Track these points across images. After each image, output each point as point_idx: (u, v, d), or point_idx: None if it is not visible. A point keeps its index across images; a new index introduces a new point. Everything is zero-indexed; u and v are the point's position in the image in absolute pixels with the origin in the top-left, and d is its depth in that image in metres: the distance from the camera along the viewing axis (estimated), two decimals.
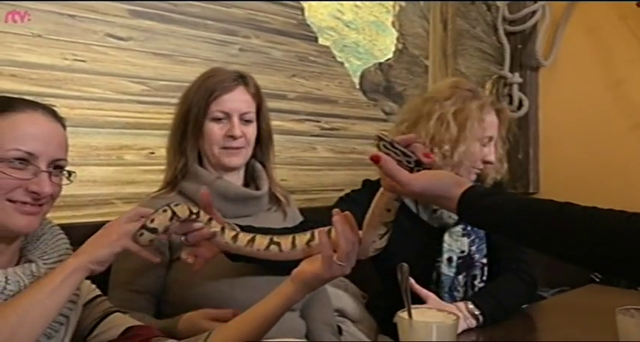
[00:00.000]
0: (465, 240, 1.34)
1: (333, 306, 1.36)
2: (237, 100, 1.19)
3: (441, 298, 1.26)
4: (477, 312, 1.19)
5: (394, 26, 2.07)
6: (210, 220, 0.90)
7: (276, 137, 1.70)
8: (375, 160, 0.79)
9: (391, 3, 2.06)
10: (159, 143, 1.29)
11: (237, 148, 1.19)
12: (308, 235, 0.88)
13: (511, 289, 1.32)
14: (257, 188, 1.25)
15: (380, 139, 0.81)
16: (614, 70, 2.26)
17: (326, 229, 0.85)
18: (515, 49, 2.45)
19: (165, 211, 0.85)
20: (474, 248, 1.36)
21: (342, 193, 1.91)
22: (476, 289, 1.34)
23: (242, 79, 1.21)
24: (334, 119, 1.88)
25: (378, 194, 0.86)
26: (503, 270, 1.36)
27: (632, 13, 2.17)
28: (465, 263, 1.35)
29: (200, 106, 1.16)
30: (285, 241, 0.89)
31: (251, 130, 1.22)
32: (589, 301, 1.45)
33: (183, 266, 1.00)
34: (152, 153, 1.44)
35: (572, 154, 2.37)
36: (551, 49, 2.41)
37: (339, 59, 1.89)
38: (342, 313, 1.40)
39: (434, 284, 1.31)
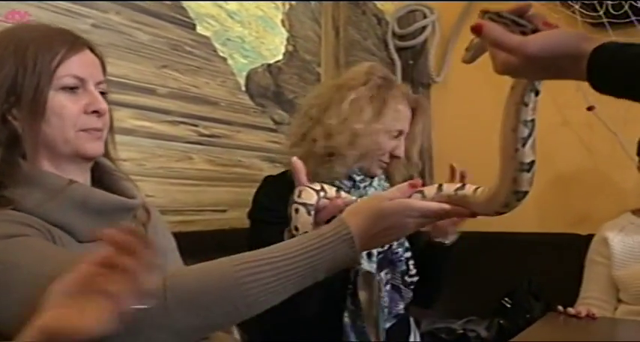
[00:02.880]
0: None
1: None
2: (91, 64, 0.85)
3: (359, 298, 1.15)
4: None
5: (284, 25, 1.82)
6: (338, 190, 0.90)
7: (142, 142, 1.35)
8: (477, 30, 0.65)
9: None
10: None
11: (100, 130, 0.85)
12: (457, 184, 0.81)
13: None
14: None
15: (485, 12, 0.68)
16: (502, 87, 2.21)
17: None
18: (406, 64, 2.33)
19: (297, 210, 0.86)
20: (395, 243, 1.25)
21: (225, 215, 1.58)
22: (409, 285, 1.27)
23: (83, 39, 0.86)
24: (215, 124, 1.55)
25: (510, 92, 0.75)
26: None
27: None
28: (387, 259, 1.24)
29: (41, 71, 0.79)
30: (429, 189, 0.80)
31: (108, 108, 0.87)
32: (566, 332, 1.29)
33: None
34: None
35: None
36: (442, 66, 2.32)
37: (222, 54, 1.59)
38: None
39: (352, 283, 1.17)
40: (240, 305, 0.68)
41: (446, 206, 0.78)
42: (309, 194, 0.86)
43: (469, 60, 0.78)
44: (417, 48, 2.32)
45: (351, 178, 1.32)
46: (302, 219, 0.84)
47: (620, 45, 0.60)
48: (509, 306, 1.71)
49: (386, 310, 1.24)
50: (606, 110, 1.96)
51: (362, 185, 1.30)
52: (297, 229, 0.84)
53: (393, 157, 1.30)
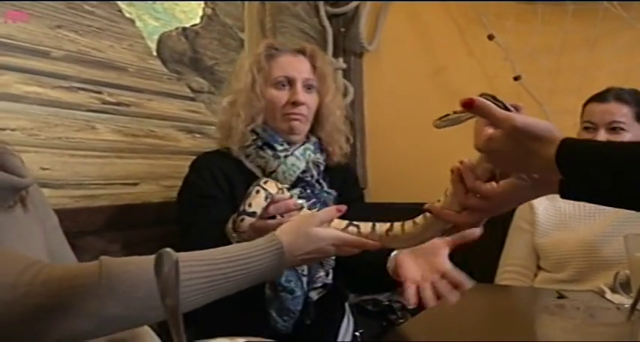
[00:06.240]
0: (303, 201, 1.19)
1: None
2: None
3: None
4: None
5: None
6: (291, 196, 1.00)
7: (35, 109, 1.23)
8: (468, 104, 0.70)
9: None
10: None
11: None
12: (387, 224, 0.90)
13: None
14: None
15: (482, 94, 0.75)
16: (436, 56, 2.18)
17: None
18: (338, 32, 2.25)
19: (258, 192, 0.97)
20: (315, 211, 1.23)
21: (136, 189, 1.49)
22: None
23: None
24: (122, 92, 1.44)
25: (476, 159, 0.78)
26: None
27: None
28: None
29: None
30: (365, 225, 0.91)
31: None
32: (482, 301, 1.29)
33: None
34: None
35: (399, 146, 2.24)
36: (375, 34, 2.26)
37: (128, 15, 1.46)
38: None
39: None
40: None
41: (364, 241, 0.90)
42: (272, 185, 0.99)
43: (439, 126, 0.81)
44: (349, 15, 2.25)
45: (272, 147, 1.28)
46: (257, 200, 0.96)
47: (586, 139, 0.72)
48: None
49: (305, 278, 1.22)
50: (532, 81, 1.96)
51: (282, 154, 1.27)
52: (250, 205, 0.96)
53: (295, 104, 1.27)
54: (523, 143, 0.68)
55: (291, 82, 1.29)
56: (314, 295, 1.25)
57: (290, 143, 1.30)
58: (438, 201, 0.83)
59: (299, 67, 1.30)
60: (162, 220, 1.47)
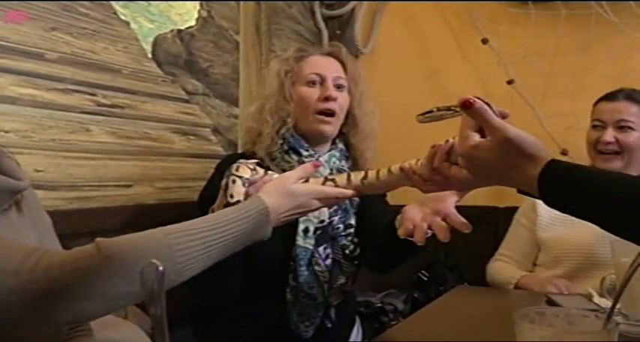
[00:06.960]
0: (325, 209, 1.20)
1: None
2: None
3: (297, 274, 1.18)
4: None
5: None
6: (266, 171, 0.99)
7: (29, 111, 1.24)
8: (467, 105, 0.71)
9: None
10: None
11: None
12: (362, 173, 0.95)
13: None
14: None
15: (477, 98, 0.77)
16: (430, 59, 2.19)
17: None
18: (333, 34, 2.26)
19: (234, 181, 0.95)
20: (336, 219, 1.24)
21: (130, 190, 1.49)
22: (351, 259, 1.25)
23: None
24: (116, 93, 1.45)
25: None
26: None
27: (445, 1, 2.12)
28: (326, 234, 1.22)
29: None
30: (341, 178, 0.95)
31: None
32: (471, 304, 1.30)
33: None
34: None
35: (393, 148, 2.24)
36: (370, 37, 2.27)
37: (123, 18, 1.47)
38: None
39: (292, 259, 1.20)
40: (171, 273, 0.70)
41: (343, 190, 0.94)
42: (245, 170, 0.98)
43: (421, 122, 0.86)
44: (345, 17, 2.26)
45: (297, 153, 1.27)
46: (237, 189, 0.95)
47: (573, 165, 0.68)
48: (425, 279, 1.71)
49: (326, 285, 1.22)
50: (525, 85, 1.98)
51: (307, 160, 1.24)
52: (232, 196, 0.94)
53: (327, 99, 1.25)
54: (510, 156, 0.69)
55: (322, 80, 1.27)
56: (333, 301, 1.25)
57: (316, 146, 1.28)
58: (417, 160, 0.90)
59: (330, 66, 1.29)
60: (156, 222, 1.48)
